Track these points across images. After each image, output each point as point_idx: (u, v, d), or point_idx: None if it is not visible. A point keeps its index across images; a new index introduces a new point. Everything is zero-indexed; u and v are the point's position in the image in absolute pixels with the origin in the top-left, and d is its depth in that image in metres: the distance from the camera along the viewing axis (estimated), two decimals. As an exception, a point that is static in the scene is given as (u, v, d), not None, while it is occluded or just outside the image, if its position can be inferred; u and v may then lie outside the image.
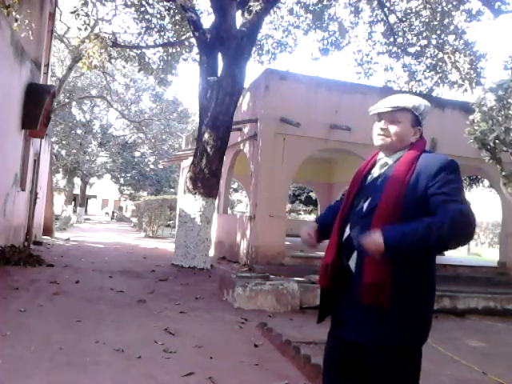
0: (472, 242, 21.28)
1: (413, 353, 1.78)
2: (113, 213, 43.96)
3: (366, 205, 1.83)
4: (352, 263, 1.82)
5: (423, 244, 1.63)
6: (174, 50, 14.39)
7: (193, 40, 12.14)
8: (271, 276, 6.25)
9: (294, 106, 9.66)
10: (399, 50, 13.44)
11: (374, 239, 1.65)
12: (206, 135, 8.63)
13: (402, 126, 1.88)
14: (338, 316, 1.88)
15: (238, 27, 9.04)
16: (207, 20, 23.64)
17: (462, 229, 1.65)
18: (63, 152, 30.27)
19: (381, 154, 1.95)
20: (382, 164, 1.91)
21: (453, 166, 1.75)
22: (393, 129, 1.88)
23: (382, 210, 1.75)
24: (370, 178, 1.93)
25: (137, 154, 36.79)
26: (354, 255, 1.81)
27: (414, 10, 13.46)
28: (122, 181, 38.20)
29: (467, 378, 3.58)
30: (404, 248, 1.63)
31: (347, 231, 1.87)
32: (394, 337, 1.71)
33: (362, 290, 1.72)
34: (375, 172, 1.92)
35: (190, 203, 8.61)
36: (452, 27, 12.98)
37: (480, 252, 20.04)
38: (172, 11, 12.93)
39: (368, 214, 1.80)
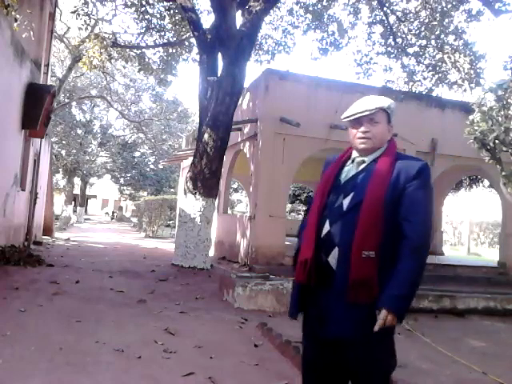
0: (472, 242, 21.28)
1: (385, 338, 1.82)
2: (113, 213, 43.97)
3: (346, 201, 1.85)
4: (332, 259, 1.82)
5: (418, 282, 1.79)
6: (173, 50, 14.37)
7: (193, 40, 12.14)
8: (271, 276, 6.25)
9: (293, 106, 9.65)
10: (399, 50, 13.42)
11: (389, 321, 1.72)
12: (206, 135, 8.63)
13: (382, 126, 1.94)
14: (317, 313, 1.87)
15: (238, 27, 9.04)
16: (207, 20, 23.64)
17: (425, 250, 1.81)
18: (63, 152, 30.24)
19: (354, 153, 1.99)
20: (359, 162, 1.95)
21: (428, 171, 1.86)
22: (374, 130, 1.93)
23: (368, 205, 1.78)
24: (344, 175, 1.95)
25: (137, 154, 36.77)
26: (334, 251, 1.82)
27: (413, 11, 13.45)
28: (122, 181, 38.18)
29: (467, 378, 3.58)
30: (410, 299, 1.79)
31: (327, 227, 1.87)
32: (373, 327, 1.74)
33: (348, 287, 1.74)
34: (351, 170, 1.95)
35: (190, 203, 8.61)
36: (452, 27, 12.96)
37: (480, 252, 20.02)
38: (172, 11, 12.91)
39: (351, 209, 1.82)
